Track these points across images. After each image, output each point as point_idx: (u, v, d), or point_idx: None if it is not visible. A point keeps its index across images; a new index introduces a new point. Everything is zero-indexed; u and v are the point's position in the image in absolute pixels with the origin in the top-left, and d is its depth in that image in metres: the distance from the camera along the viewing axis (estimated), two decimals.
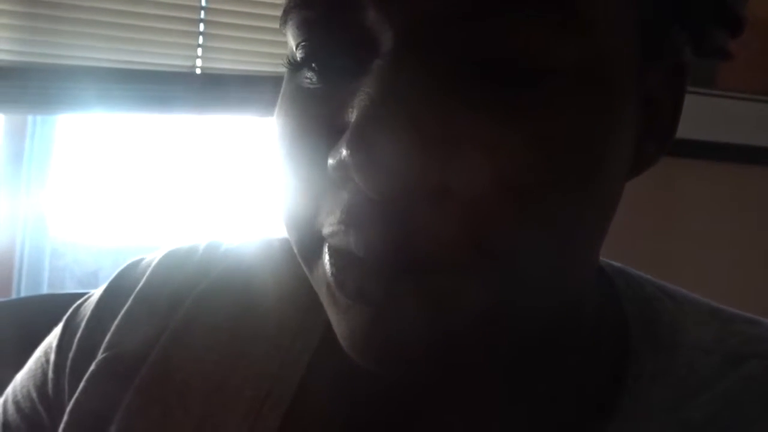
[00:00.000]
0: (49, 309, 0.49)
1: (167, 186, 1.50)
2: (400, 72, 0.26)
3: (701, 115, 1.39)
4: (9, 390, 0.44)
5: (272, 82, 1.35)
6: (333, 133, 0.27)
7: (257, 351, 0.38)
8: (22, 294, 1.37)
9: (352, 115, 0.26)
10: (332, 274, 0.28)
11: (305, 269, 0.32)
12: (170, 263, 0.43)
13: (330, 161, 0.26)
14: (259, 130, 1.51)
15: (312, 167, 0.29)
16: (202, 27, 1.34)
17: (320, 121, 0.29)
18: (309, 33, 0.29)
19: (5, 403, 0.43)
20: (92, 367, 0.39)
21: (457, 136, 0.26)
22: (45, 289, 1.43)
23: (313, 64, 0.29)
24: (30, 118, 1.43)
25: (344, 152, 0.25)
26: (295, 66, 0.31)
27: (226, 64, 1.36)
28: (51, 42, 1.27)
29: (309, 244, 0.30)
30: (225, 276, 0.42)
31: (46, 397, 0.41)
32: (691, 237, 1.42)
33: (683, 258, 1.31)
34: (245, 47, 1.36)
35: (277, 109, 0.32)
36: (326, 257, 0.29)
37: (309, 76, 0.30)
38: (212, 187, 1.50)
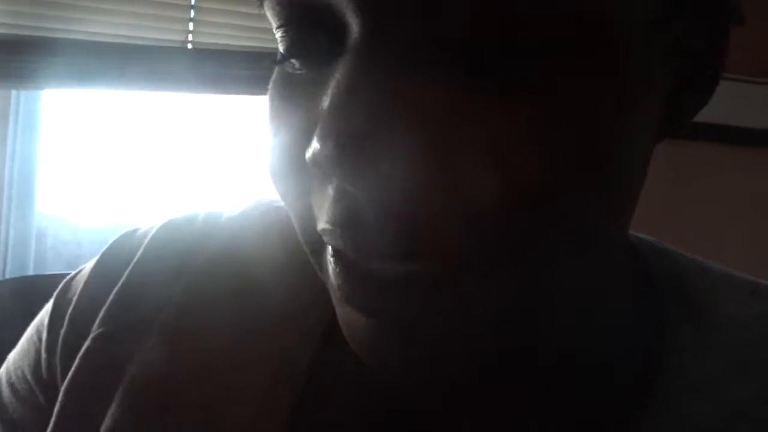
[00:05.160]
0: (43, 288, 0.46)
1: (157, 163, 1.47)
2: (369, 55, 0.24)
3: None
4: (2, 371, 0.42)
5: (267, 58, 1.31)
6: (312, 123, 0.25)
7: (267, 325, 0.37)
8: (8, 275, 1.34)
9: (325, 103, 0.25)
10: (337, 283, 0.27)
11: (312, 260, 0.30)
12: (169, 233, 0.41)
13: (307, 155, 0.25)
14: (252, 107, 1.48)
15: (295, 159, 0.27)
16: (193, 0, 1.30)
17: (301, 109, 0.27)
18: (286, 16, 0.28)
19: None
20: (87, 343, 0.38)
21: (436, 118, 0.24)
22: (31, 271, 1.40)
23: (294, 49, 0.28)
24: (14, 94, 1.39)
25: (316, 145, 0.24)
26: (279, 54, 0.29)
27: (219, 39, 1.32)
28: (38, 14, 1.23)
29: (311, 237, 0.29)
30: (228, 246, 0.40)
31: (41, 377, 0.40)
32: (700, 215, 1.41)
33: (690, 237, 1.31)
34: (239, 22, 1.32)
35: (267, 96, 0.30)
36: (329, 260, 0.27)
37: (293, 62, 0.28)
38: (205, 164, 1.47)
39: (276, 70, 0.30)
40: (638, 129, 0.28)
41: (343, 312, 0.28)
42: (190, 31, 1.31)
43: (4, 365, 0.42)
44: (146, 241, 0.40)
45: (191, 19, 1.31)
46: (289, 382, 0.35)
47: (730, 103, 1.44)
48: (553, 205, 0.25)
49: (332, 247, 0.27)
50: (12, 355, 0.42)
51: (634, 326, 0.35)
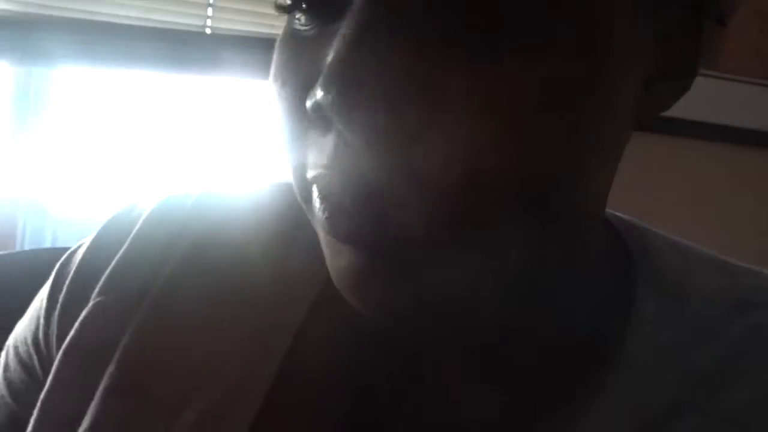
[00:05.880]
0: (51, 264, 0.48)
1: (171, 150, 1.47)
2: (373, 13, 0.26)
3: (701, 97, 1.42)
4: (11, 338, 0.44)
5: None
6: (315, 76, 0.27)
7: (257, 291, 0.38)
8: None
9: (330, 57, 0.26)
10: (323, 219, 0.29)
11: (306, 211, 0.32)
12: (165, 209, 0.43)
13: (308, 103, 0.27)
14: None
15: (298, 111, 0.29)
16: None
17: (305, 64, 0.29)
18: None
19: (8, 348, 0.44)
20: (86, 310, 0.39)
21: (431, 73, 0.26)
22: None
23: (303, 5, 0.30)
24: (29, 81, 1.40)
25: (319, 93, 0.26)
26: (285, 8, 0.31)
27: (237, 24, 1.33)
28: None
29: (302, 187, 0.30)
30: (220, 222, 0.41)
31: (38, 344, 0.41)
32: (691, 215, 1.42)
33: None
34: (257, 8, 1.32)
35: (274, 54, 0.32)
36: (316, 201, 0.29)
37: (299, 18, 0.30)
38: (219, 149, 1.47)
39: (283, 28, 0.31)
40: (615, 108, 0.29)
41: (330, 250, 0.30)
42: (208, 17, 1.32)
43: (13, 333, 0.44)
44: (144, 215, 0.42)
45: (210, 5, 1.31)
46: (273, 351, 0.37)
47: (720, 101, 1.45)
48: (534, 171, 0.26)
49: (322, 192, 0.28)
50: (19, 323, 0.44)
51: (605, 297, 0.36)
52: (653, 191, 1.33)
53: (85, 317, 0.39)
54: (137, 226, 0.41)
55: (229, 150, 1.48)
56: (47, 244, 1.41)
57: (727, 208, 1.48)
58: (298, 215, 0.33)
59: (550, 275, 0.34)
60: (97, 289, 0.40)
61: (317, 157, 0.28)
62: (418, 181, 0.26)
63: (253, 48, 1.31)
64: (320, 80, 0.26)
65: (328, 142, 0.27)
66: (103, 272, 0.40)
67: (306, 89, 0.28)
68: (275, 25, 1.33)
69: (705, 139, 1.48)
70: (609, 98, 0.28)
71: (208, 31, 1.32)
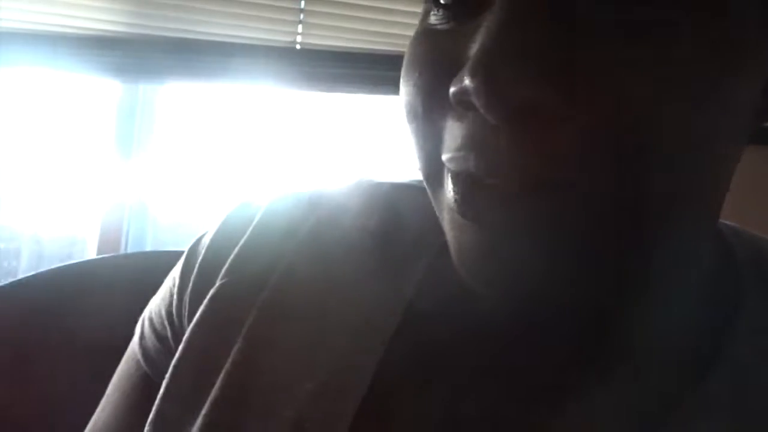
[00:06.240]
0: (158, 264, 0.53)
1: (268, 163, 1.54)
2: (518, 6, 0.28)
3: None
4: (146, 310, 0.49)
5: (369, 59, 1.37)
6: (456, 66, 0.29)
7: (362, 283, 0.41)
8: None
9: (474, 48, 0.28)
10: (453, 198, 0.30)
11: (431, 197, 0.34)
12: (281, 205, 0.46)
13: (452, 89, 0.28)
14: (355, 107, 1.53)
15: (435, 98, 0.31)
16: (303, 3, 1.36)
17: (444, 55, 0.31)
18: None
19: (143, 320, 0.48)
20: (213, 290, 0.43)
21: (573, 64, 0.27)
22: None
23: (442, 1, 0.32)
24: (136, 96, 1.49)
25: (466, 80, 0.27)
26: (427, 4, 0.33)
27: (326, 40, 1.39)
28: (156, 15, 1.32)
29: (433, 171, 0.32)
30: (332, 215, 0.44)
31: (171, 316, 0.46)
32: None
33: None
34: (345, 24, 1.38)
35: (407, 48, 0.34)
36: (448, 182, 0.31)
37: (437, 14, 0.32)
38: (310, 163, 1.53)
39: (418, 25, 0.34)
40: (738, 100, 0.30)
41: (454, 229, 0.31)
42: (298, 33, 1.38)
43: (148, 307, 0.49)
44: (262, 209, 0.46)
45: (300, 22, 1.37)
46: (386, 317, 0.39)
47: None
48: (657, 137, 0.28)
49: (455, 171, 0.30)
50: (153, 299, 0.49)
51: (712, 298, 0.37)
52: (747, 203, 1.29)
53: (213, 296, 0.43)
54: (256, 219, 0.45)
55: (317, 158, 1.53)
56: (149, 247, 1.50)
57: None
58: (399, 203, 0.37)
59: (670, 271, 0.34)
60: (222, 272, 0.44)
61: (452, 140, 0.30)
62: (554, 163, 0.28)
63: (340, 63, 1.36)
64: (467, 67, 0.27)
65: (466, 126, 0.29)
66: (227, 258, 0.44)
67: (443, 78, 0.30)
68: (364, 40, 1.38)
69: None
70: (733, 92, 0.29)
71: (298, 47, 1.38)
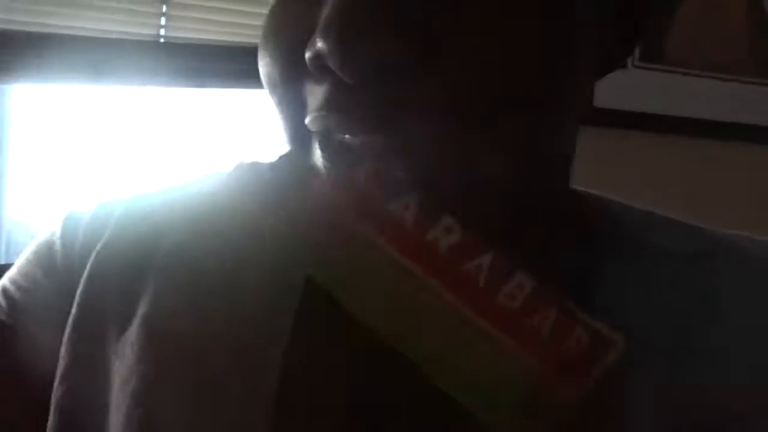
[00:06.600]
0: None
1: (127, 160, 1.46)
2: None
3: (651, 89, 1.49)
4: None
5: (240, 53, 1.32)
6: (311, 32, 0.29)
7: (258, 257, 0.39)
8: None
9: (326, 9, 0.29)
10: (322, 163, 0.31)
11: (297, 155, 0.34)
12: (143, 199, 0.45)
13: (307, 54, 0.29)
14: (226, 103, 1.48)
15: (294, 66, 0.32)
16: None
17: (299, 22, 0.31)
18: None
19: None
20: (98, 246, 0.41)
21: (425, 20, 0.29)
22: None
23: None
24: None
25: (318, 42, 0.28)
26: None
27: (192, 33, 1.32)
28: (7, 7, 1.22)
29: (299, 137, 0.33)
30: (217, 198, 0.42)
31: (57, 273, 0.42)
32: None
33: None
34: (212, 16, 1.32)
35: (263, 22, 0.35)
36: (315, 147, 0.32)
37: None
38: (178, 160, 1.47)
39: None
40: (579, 52, 0.33)
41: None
42: (162, 25, 1.31)
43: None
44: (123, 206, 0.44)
45: (163, 13, 1.31)
46: (295, 279, 0.38)
47: (669, 93, 1.51)
48: (514, 75, 0.30)
49: (319, 133, 0.31)
50: (11, 271, 0.44)
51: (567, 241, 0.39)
52: (602, 183, 1.36)
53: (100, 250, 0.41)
54: (119, 213, 0.43)
55: (186, 154, 1.47)
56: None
57: (676, 199, 1.52)
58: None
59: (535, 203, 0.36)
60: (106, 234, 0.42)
61: (314, 102, 0.31)
62: (419, 114, 0.29)
63: (207, 57, 1.31)
64: (318, 30, 0.28)
65: (325, 88, 0.30)
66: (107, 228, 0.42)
67: (300, 45, 0.30)
68: (234, 33, 1.33)
69: (652, 131, 1.51)
70: (580, 45, 0.33)
71: (162, 40, 1.31)
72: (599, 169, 1.27)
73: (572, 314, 0.25)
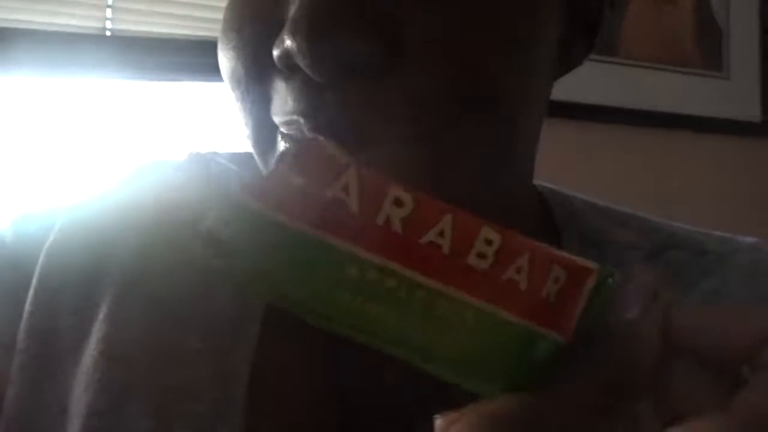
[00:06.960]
0: None
1: (73, 155, 1.43)
2: None
3: (606, 82, 1.52)
4: None
5: (189, 46, 1.30)
6: (278, 26, 0.28)
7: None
8: None
9: (293, 8, 0.28)
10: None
11: (260, 162, 0.33)
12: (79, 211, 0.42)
13: (275, 52, 0.28)
14: (170, 96, 1.46)
15: (259, 60, 0.31)
16: None
17: (265, 14, 0.30)
18: None
19: None
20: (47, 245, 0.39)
21: (395, 19, 0.28)
22: None
23: None
24: None
25: (287, 41, 0.27)
26: None
27: (138, 26, 1.30)
28: None
29: (263, 134, 0.32)
30: (171, 192, 0.41)
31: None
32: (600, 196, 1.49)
33: None
34: (158, 8, 1.30)
35: (224, 12, 0.34)
36: (280, 145, 0.31)
37: None
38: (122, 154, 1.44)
39: None
40: (542, 53, 0.33)
41: None
42: (108, 18, 1.29)
43: None
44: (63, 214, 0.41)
45: (109, 6, 1.28)
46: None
47: (622, 86, 1.55)
48: (480, 70, 0.30)
49: (288, 136, 0.30)
50: None
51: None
52: (560, 174, 1.37)
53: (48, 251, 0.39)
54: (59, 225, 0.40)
55: (131, 147, 1.44)
56: None
57: (629, 188, 1.55)
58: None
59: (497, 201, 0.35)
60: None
61: (282, 103, 0.30)
62: (386, 115, 0.28)
63: (154, 50, 1.28)
64: (286, 28, 0.27)
65: (294, 87, 0.29)
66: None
67: (265, 39, 0.29)
68: (182, 25, 1.31)
69: (606, 122, 1.54)
70: (541, 45, 0.33)
71: (108, 33, 1.29)
72: (555, 161, 1.29)
73: (544, 253, 0.24)
